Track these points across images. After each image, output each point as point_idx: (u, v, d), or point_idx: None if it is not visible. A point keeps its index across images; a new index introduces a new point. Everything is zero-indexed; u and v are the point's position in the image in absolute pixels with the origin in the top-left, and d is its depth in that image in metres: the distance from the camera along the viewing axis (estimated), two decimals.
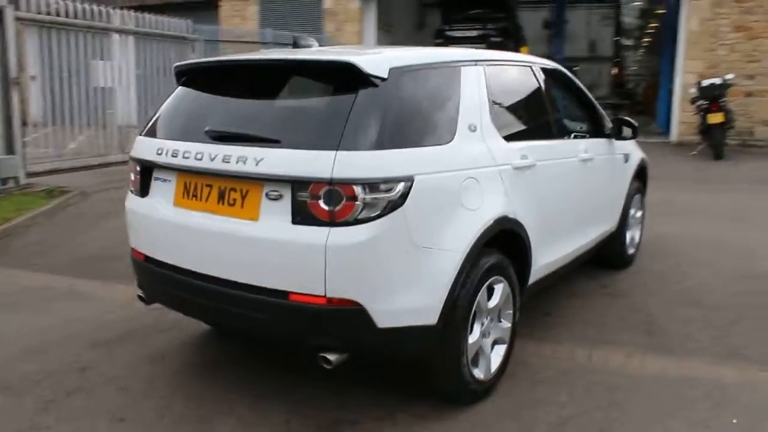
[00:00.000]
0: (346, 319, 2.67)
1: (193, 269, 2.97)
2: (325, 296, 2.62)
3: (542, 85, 4.14)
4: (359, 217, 2.58)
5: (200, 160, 2.90)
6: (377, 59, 2.85)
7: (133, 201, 3.37)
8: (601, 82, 27.31)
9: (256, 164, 2.71)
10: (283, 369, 3.59)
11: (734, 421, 3.15)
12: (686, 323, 4.35)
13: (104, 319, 4.26)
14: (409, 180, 2.67)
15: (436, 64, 3.21)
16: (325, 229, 2.58)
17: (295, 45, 3.52)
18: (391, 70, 2.83)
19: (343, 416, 3.10)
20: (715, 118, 11.82)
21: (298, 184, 2.62)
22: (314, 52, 3.28)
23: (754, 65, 14.95)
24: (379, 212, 2.60)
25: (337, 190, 2.56)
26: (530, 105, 4.03)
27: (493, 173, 3.25)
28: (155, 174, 3.23)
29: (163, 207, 3.15)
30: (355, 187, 2.55)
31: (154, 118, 3.40)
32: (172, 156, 3.04)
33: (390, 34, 19.92)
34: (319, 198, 2.58)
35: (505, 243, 3.29)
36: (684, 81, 15.39)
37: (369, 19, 17.54)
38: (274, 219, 2.71)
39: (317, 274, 2.60)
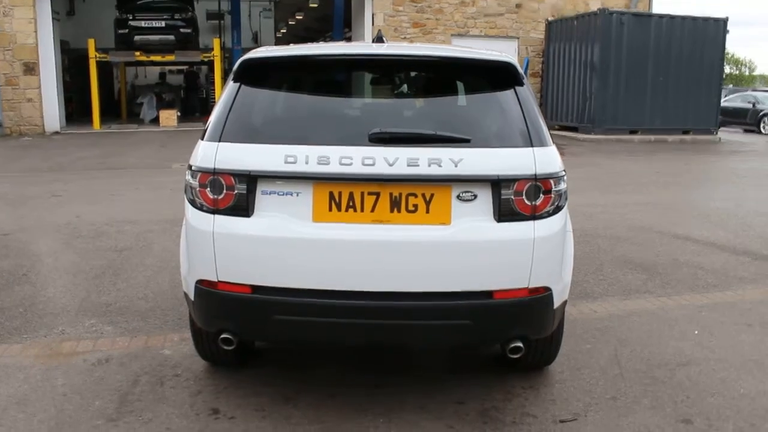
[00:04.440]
0: (541, 305, 2.75)
1: (359, 289, 2.58)
2: (527, 288, 2.68)
3: None
4: (552, 208, 2.72)
5: (371, 165, 2.54)
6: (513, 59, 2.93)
7: (223, 223, 2.64)
8: None
9: (455, 166, 2.58)
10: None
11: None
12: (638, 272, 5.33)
13: (62, 389, 3.15)
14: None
15: None
16: (530, 223, 2.67)
17: (379, 40, 3.18)
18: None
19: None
20: None
21: (501, 182, 2.62)
22: (447, 49, 3.03)
23: None
24: (561, 202, 2.78)
25: (539, 185, 2.66)
26: None
27: None
28: (264, 187, 2.61)
29: (294, 225, 2.60)
30: (551, 180, 2.70)
31: (231, 120, 2.70)
32: (320, 163, 2.55)
33: (59, 22, 17.54)
34: (522, 194, 2.64)
35: None
36: None
37: (44, 4, 15.18)
38: (470, 220, 2.64)
39: (524, 267, 2.67)
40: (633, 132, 15.98)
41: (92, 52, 16.68)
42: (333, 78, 3.01)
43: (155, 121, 19.02)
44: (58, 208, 7.45)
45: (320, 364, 3.51)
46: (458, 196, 2.62)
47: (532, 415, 3.00)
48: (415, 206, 2.60)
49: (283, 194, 2.61)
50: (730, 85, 37.38)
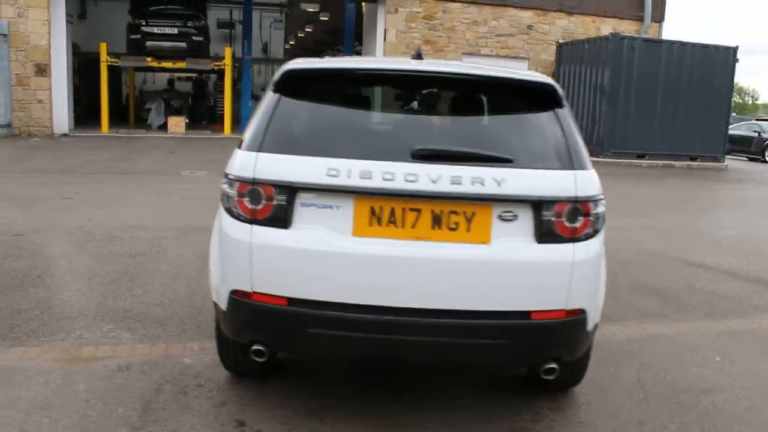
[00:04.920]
0: (576, 327, 2.74)
1: (398, 305, 2.56)
2: (565, 309, 2.67)
3: None
4: (591, 230, 2.72)
5: (414, 182, 2.54)
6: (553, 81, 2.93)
7: (261, 234, 2.61)
8: None
9: (498, 185, 2.58)
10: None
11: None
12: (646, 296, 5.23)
13: (85, 395, 3.10)
14: None
15: None
16: (569, 246, 2.67)
17: (418, 56, 3.17)
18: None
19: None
20: None
21: (542, 204, 2.62)
22: (489, 69, 3.02)
23: None
24: (599, 225, 2.77)
25: (579, 207, 2.67)
26: None
27: None
28: (304, 199, 2.59)
29: (333, 238, 2.58)
30: (590, 203, 2.69)
31: (271, 130, 2.68)
32: (362, 178, 2.54)
33: (72, 24, 17.61)
34: (562, 216, 2.64)
35: None
36: None
37: (58, 6, 15.24)
38: (509, 240, 2.64)
39: (562, 289, 2.67)
40: (641, 156, 16.01)
41: (104, 56, 16.74)
42: (375, 92, 3.00)
43: (163, 127, 19.05)
44: (70, 211, 7.43)
45: (341, 377, 3.47)
46: (499, 216, 2.62)
47: None
48: (456, 224, 2.59)
49: (322, 207, 2.59)
50: (734, 114, 37.50)
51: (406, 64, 3.04)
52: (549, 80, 2.88)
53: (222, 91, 21.45)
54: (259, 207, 2.61)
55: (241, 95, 19.99)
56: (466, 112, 2.93)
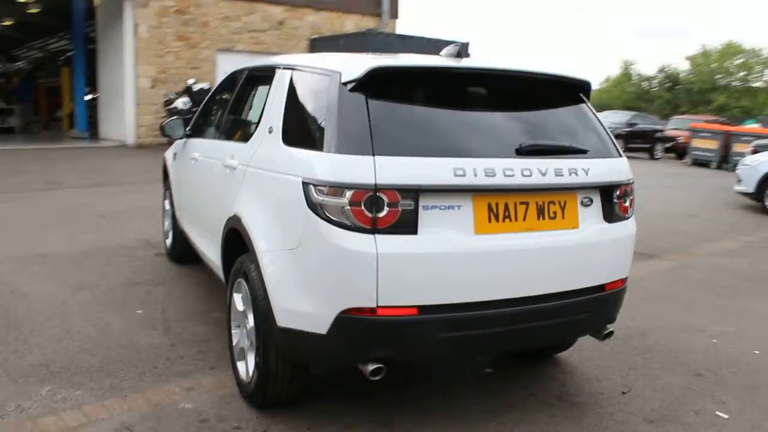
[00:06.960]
0: (624, 292, 3.12)
1: (517, 295, 2.64)
2: (622, 278, 3.05)
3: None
4: (632, 209, 3.13)
5: (529, 176, 2.63)
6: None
7: (389, 243, 2.43)
8: None
9: (586, 174, 2.84)
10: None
11: None
12: None
13: None
14: None
15: None
16: (626, 222, 3.05)
17: (459, 55, 3.09)
18: None
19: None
20: None
21: (612, 188, 2.96)
22: (543, 66, 3.06)
23: (196, 72, 16.65)
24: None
25: (628, 189, 3.07)
26: None
27: None
28: (425, 202, 2.48)
29: (459, 238, 2.53)
30: (632, 185, 3.11)
31: (376, 132, 2.50)
32: (487, 176, 2.54)
33: None
34: (623, 197, 3.03)
35: None
36: (138, 84, 16.04)
37: None
38: (591, 223, 2.91)
39: (625, 260, 3.05)
40: None
41: None
42: (461, 91, 2.98)
43: None
44: None
45: (366, 386, 3.35)
46: (581, 202, 2.87)
47: (599, 393, 3.38)
48: (555, 213, 2.78)
49: (445, 208, 2.53)
50: None
51: (486, 63, 3.04)
52: (586, 77, 3.15)
53: None
54: (382, 215, 2.44)
55: None
56: (535, 107, 3.05)
